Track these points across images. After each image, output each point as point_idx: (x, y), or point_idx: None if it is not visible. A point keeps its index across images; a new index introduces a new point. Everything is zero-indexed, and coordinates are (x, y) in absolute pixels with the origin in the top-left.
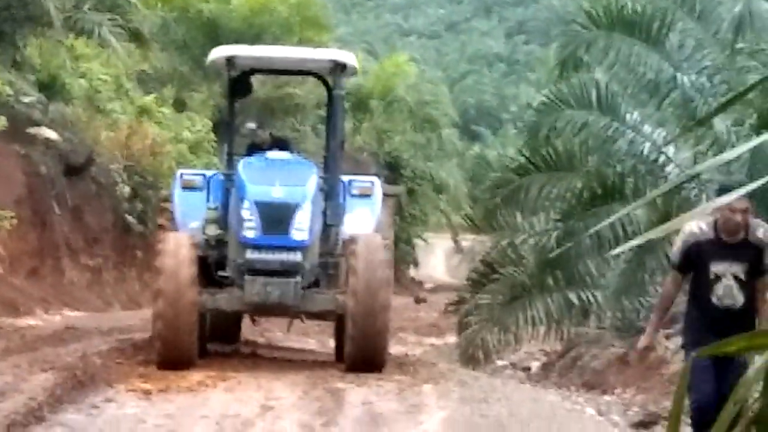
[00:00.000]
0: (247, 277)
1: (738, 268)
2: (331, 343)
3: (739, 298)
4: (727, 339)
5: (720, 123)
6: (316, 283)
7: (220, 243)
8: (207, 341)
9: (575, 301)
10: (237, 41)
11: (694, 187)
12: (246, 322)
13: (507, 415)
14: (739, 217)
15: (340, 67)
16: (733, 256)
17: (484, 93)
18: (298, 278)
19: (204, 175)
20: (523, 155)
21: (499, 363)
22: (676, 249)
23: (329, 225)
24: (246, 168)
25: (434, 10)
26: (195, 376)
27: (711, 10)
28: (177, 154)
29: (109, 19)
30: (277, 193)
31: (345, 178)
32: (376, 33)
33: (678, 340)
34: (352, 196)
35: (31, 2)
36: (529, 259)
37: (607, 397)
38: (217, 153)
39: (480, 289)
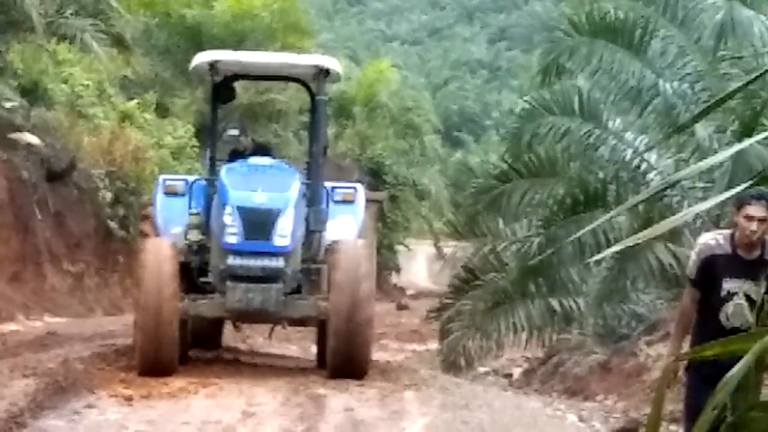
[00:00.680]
0: (228, 283)
1: (750, 287)
2: (313, 349)
3: (750, 319)
4: (704, 345)
5: (702, 130)
6: (298, 290)
7: (202, 249)
8: (189, 347)
9: (557, 307)
10: (219, 47)
11: (676, 195)
12: (228, 328)
13: (489, 422)
14: (755, 226)
15: (323, 73)
16: (747, 273)
17: (466, 99)
18: (280, 284)
19: (186, 180)
20: (505, 162)
21: (481, 370)
22: (691, 263)
23: (312, 231)
24: (228, 173)
25: (417, 16)
26: (177, 382)
27: (693, 18)
28: (159, 160)
29: (92, 25)
30: (259, 198)
31: (328, 184)
32: (358, 39)
33: (659, 347)
34: (335, 202)
35: (14, 7)
36: (511, 266)
37: (588, 404)
38: (199, 158)
39: (462, 295)
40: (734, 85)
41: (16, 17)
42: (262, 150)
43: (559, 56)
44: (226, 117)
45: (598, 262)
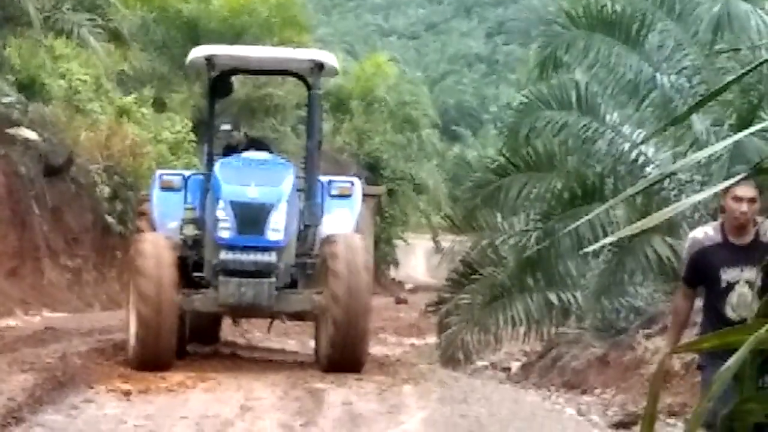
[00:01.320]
0: (221, 278)
1: (751, 274)
2: (312, 343)
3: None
4: (703, 336)
5: (699, 123)
6: (293, 284)
7: (197, 243)
8: (186, 342)
9: (555, 301)
10: (217, 41)
11: (673, 187)
12: (227, 322)
13: (487, 416)
14: (745, 207)
15: (319, 67)
16: (745, 259)
17: (464, 93)
18: (273, 279)
19: (183, 175)
20: (503, 155)
21: (479, 363)
22: (683, 260)
23: (307, 225)
24: (222, 168)
25: (414, 10)
26: (175, 376)
27: (690, 11)
28: (157, 155)
29: (89, 19)
30: (252, 193)
31: (324, 178)
32: (356, 33)
33: (657, 341)
34: (332, 196)
35: (11, 2)
36: (509, 260)
37: (586, 398)
38: (197, 153)
39: (460, 289)
40: (731, 78)
41: (13, 12)
42: (256, 145)
43: (556, 50)
44: (224, 112)
45: (596, 255)
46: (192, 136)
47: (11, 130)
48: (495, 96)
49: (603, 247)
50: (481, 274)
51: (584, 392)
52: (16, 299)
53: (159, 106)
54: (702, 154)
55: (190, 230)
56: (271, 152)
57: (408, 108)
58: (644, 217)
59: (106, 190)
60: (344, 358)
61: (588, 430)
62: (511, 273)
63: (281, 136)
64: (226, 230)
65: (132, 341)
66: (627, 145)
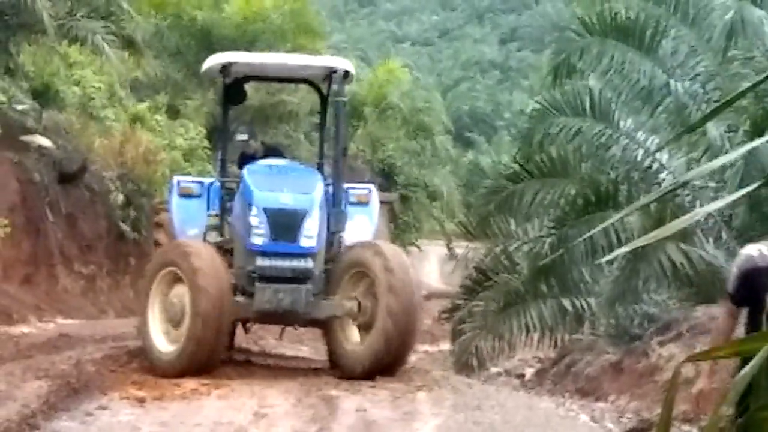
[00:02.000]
0: (258, 284)
1: None
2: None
3: None
4: (718, 345)
5: (714, 130)
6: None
7: (219, 250)
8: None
9: (569, 308)
10: (230, 48)
11: (688, 194)
12: (238, 329)
13: (501, 422)
14: None
15: (342, 74)
16: None
17: (477, 100)
18: (309, 285)
19: (201, 182)
20: (516, 162)
21: (493, 370)
22: (731, 276)
23: (333, 232)
24: (251, 175)
25: (428, 17)
26: (189, 383)
27: (704, 17)
28: (171, 162)
29: (103, 27)
30: (285, 199)
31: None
32: (369, 40)
33: (671, 348)
34: (350, 203)
35: (25, 9)
36: (522, 266)
37: (601, 404)
38: (210, 160)
39: (474, 296)
40: (745, 84)
41: (27, 19)
42: (272, 152)
43: (570, 56)
44: (237, 119)
45: (610, 262)
46: (206, 143)
47: (25, 138)
48: (508, 102)
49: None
50: (495, 281)
51: (598, 399)
52: (31, 306)
53: (173, 113)
54: (718, 162)
55: (213, 237)
56: (287, 159)
57: (421, 114)
58: (659, 224)
59: (120, 197)
60: (385, 369)
61: None
62: (524, 279)
63: (294, 143)
64: (259, 237)
65: (181, 345)
66: (641, 152)
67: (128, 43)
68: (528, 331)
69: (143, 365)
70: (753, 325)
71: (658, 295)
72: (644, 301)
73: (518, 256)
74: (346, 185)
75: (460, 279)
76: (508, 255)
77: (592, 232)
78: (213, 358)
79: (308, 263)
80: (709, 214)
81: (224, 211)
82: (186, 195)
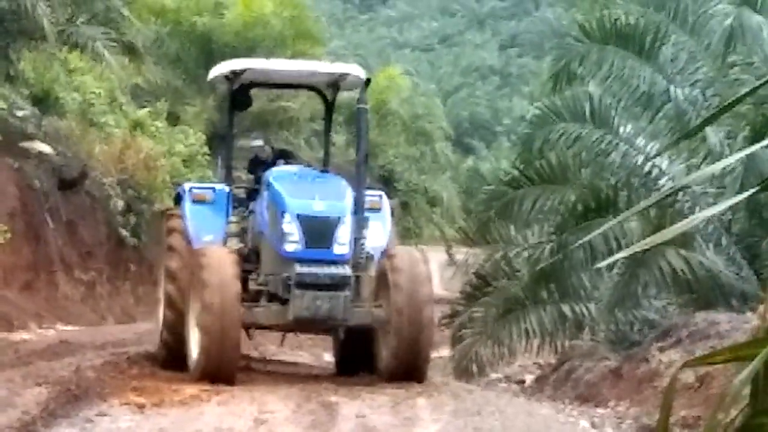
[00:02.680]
0: (296, 291)
1: None
2: (326, 357)
3: None
4: (715, 351)
5: (713, 136)
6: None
7: (239, 256)
8: None
9: (569, 313)
10: (230, 55)
11: (687, 201)
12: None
13: (500, 428)
14: None
15: (367, 82)
16: None
17: (477, 106)
18: (347, 292)
19: (214, 188)
20: (516, 168)
21: (493, 376)
22: None
23: (356, 239)
24: (280, 181)
25: (427, 23)
26: (188, 389)
27: (703, 24)
28: (171, 168)
29: (103, 33)
30: (318, 206)
31: None
32: (369, 46)
33: (671, 354)
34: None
35: (25, 16)
36: (522, 272)
37: (600, 410)
38: (210, 166)
39: (474, 302)
40: (744, 90)
41: (27, 26)
42: (284, 156)
43: (570, 62)
44: (237, 125)
45: (609, 268)
46: (205, 149)
47: (25, 144)
48: (508, 108)
49: (616, 259)
50: (494, 287)
51: (598, 405)
52: (31, 312)
53: (173, 119)
54: (716, 168)
55: (235, 243)
56: (299, 164)
57: (421, 121)
58: (658, 230)
59: (120, 204)
60: (409, 367)
61: None
62: (524, 285)
63: (295, 149)
64: (293, 243)
65: (194, 353)
66: (641, 158)
67: (128, 50)
68: (528, 337)
69: (143, 371)
70: None
71: (658, 300)
72: (644, 307)
73: (518, 262)
74: None
75: (460, 285)
76: (508, 261)
77: (591, 235)
78: (224, 362)
79: (346, 270)
80: (709, 220)
81: (242, 218)
82: (199, 201)
